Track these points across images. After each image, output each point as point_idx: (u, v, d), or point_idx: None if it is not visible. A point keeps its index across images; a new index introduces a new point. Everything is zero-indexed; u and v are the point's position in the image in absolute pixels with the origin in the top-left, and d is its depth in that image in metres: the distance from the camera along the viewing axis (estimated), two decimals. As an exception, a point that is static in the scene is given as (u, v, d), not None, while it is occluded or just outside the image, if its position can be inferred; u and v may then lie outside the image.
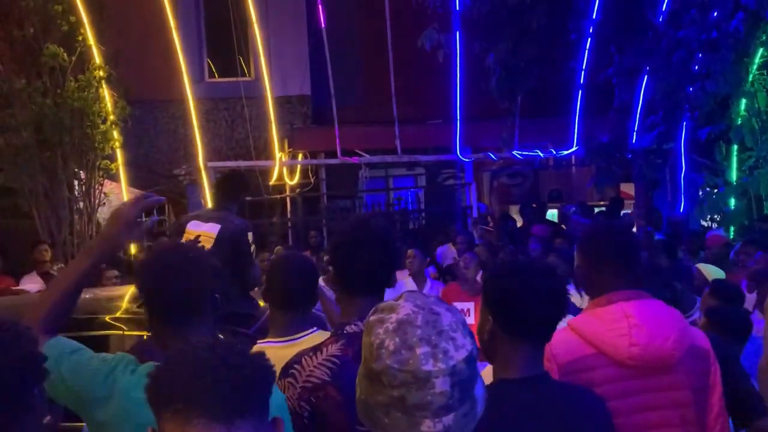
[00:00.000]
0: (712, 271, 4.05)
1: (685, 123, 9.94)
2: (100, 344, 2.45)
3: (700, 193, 10.61)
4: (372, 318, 1.21)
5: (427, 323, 1.14)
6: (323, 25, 10.25)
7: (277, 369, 1.82)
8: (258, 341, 2.38)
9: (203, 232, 4.04)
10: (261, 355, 1.13)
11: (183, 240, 3.70)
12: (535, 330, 1.70)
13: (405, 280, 5.64)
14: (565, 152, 11.16)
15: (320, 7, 10.25)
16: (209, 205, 10.33)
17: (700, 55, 8.95)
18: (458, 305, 4.60)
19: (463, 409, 1.13)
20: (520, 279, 1.69)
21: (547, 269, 1.75)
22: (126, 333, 3.30)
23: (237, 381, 1.05)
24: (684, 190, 10.74)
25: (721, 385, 2.00)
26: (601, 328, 1.94)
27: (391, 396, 1.12)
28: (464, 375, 1.13)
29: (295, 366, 1.83)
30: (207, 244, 3.76)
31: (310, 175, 11.55)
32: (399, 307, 1.19)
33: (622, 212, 11.23)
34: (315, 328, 2.38)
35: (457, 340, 1.14)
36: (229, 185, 4.46)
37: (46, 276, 5.98)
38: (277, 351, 2.19)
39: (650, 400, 1.91)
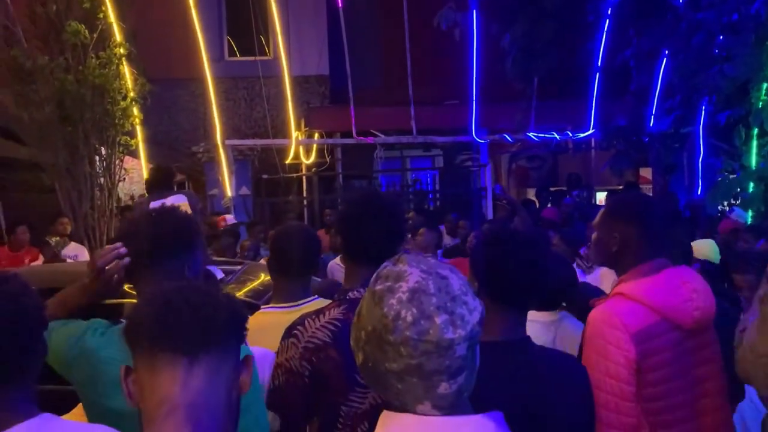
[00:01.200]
0: (701, 247, 4.08)
1: (703, 107, 9.83)
2: (115, 311, 2.54)
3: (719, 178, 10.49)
4: (379, 288, 1.16)
5: (439, 290, 1.13)
6: (341, 5, 10.27)
7: (281, 332, 1.94)
8: (262, 307, 2.48)
9: (171, 203, 3.98)
10: (229, 296, 1.23)
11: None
12: (516, 297, 1.77)
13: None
14: (582, 135, 11.11)
15: (339, -14, 10.28)
16: (226, 181, 10.49)
17: (721, 37, 8.83)
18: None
19: (473, 365, 1.16)
20: (503, 248, 1.76)
21: (530, 240, 1.80)
22: (141, 301, 3.41)
23: (199, 318, 1.17)
24: (702, 174, 10.63)
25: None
26: (666, 295, 2.02)
27: (408, 364, 1.11)
28: (478, 336, 1.15)
29: (298, 327, 1.89)
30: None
31: (326, 155, 11.61)
32: (406, 274, 1.15)
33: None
34: (316, 296, 2.49)
35: (468, 303, 1.14)
36: (163, 176, 4.62)
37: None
38: (280, 316, 2.30)
39: (699, 358, 2.07)
